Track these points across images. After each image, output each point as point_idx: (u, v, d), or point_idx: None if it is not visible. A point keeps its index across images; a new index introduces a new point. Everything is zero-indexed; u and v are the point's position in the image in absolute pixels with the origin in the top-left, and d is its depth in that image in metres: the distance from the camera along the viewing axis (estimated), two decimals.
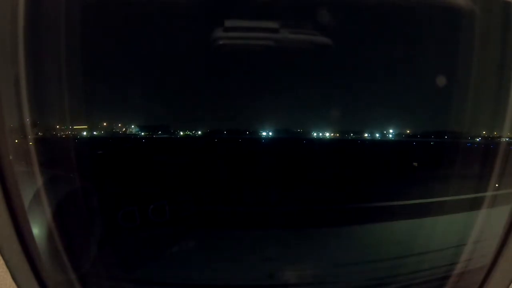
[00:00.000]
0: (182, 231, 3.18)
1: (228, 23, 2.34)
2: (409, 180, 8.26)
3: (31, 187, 1.36)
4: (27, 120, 1.33)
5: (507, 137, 1.77)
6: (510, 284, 1.19)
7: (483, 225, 1.77)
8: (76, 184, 1.87)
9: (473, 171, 2.45)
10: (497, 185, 1.72)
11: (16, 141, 1.28)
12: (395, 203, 4.84)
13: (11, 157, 1.08)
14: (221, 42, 2.41)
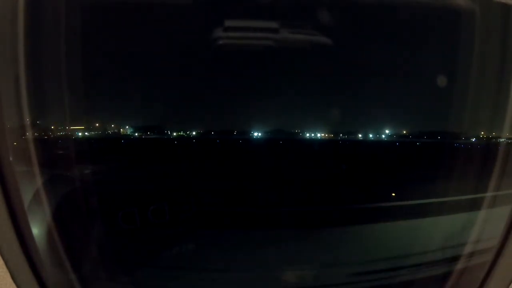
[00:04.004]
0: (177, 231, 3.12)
1: (228, 23, 2.34)
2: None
3: (31, 187, 1.35)
4: (27, 120, 1.33)
5: (505, 138, 1.77)
6: (510, 284, 1.20)
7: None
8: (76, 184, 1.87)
9: (450, 172, 2.40)
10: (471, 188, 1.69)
11: (16, 141, 1.28)
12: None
13: (11, 157, 1.08)
14: (220, 42, 2.41)
